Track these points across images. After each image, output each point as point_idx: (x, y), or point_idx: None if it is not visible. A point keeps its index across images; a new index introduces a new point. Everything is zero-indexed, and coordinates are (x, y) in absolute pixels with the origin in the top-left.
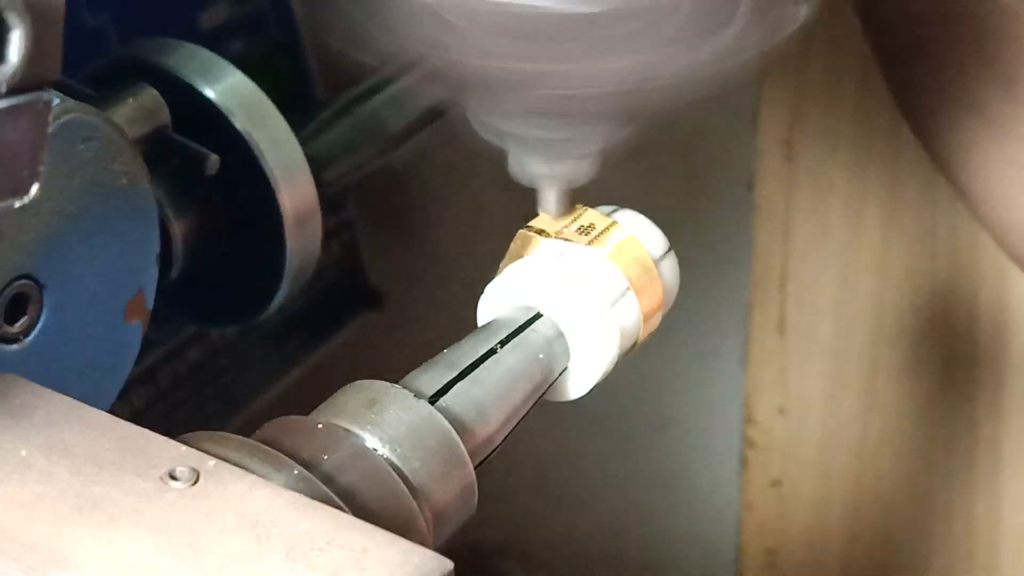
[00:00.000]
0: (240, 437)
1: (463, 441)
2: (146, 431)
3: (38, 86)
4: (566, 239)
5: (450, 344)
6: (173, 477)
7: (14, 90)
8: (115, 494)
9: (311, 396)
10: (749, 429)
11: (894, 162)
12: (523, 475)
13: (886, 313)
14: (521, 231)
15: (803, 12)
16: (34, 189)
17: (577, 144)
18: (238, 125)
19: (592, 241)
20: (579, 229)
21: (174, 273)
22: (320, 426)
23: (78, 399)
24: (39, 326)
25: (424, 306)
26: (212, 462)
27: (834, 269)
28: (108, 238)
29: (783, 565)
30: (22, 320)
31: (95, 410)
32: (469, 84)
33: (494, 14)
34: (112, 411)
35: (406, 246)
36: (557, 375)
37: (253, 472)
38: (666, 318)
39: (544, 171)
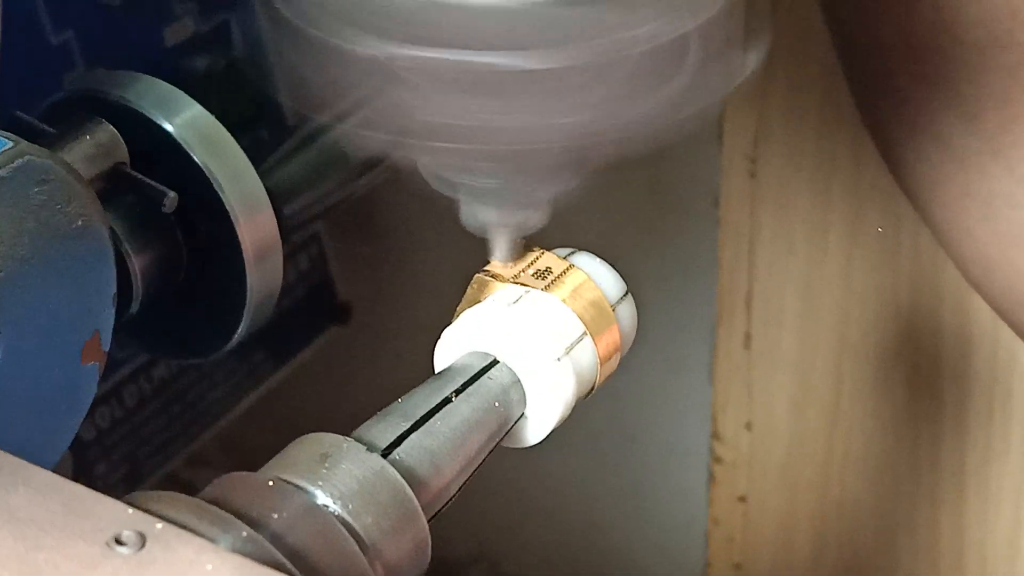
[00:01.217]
0: (187, 498)
1: (417, 494)
2: (93, 492)
3: None
4: (522, 283)
5: (417, 357)
6: (119, 542)
7: None
8: (59, 560)
9: (279, 411)
10: (716, 445)
11: (858, 179)
12: (491, 486)
13: (850, 329)
14: (478, 275)
15: (753, 60)
16: None
17: (528, 194)
18: (197, 158)
19: (548, 286)
20: (535, 273)
21: (134, 307)
22: (271, 483)
23: (33, 442)
24: None
25: (393, 320)
26: (159, 525)
27: (798, 285)
28: (63, 280)
29: None
30: None
31: (41, 470)
32: (418, 138)
33: (442, 69)
34: (75, 435)
35: (375, 260)
36: (513, 422)
37: (201, 534)
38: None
39: (495, 219)
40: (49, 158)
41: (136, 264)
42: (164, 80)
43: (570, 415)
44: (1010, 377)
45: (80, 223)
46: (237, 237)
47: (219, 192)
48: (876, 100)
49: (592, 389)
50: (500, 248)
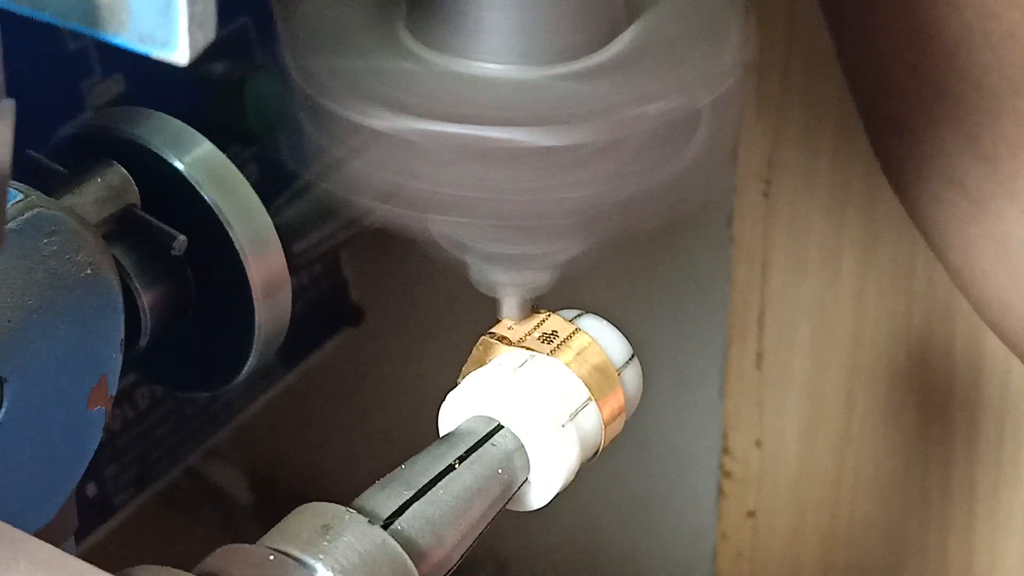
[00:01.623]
0: (185, 574)
1: (418, 566)
2: (94, 569)
3: None
4: (528, 347)
5: (428, 361)
6: None
7: None
8: None
9: (293, 412)
10: (726, 460)
11: (872, 203)
12: None
13: (863, 352)
14: (484, 337)
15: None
16: None
17: (537, 259)
18: (207, 196)
19: (554, 350)
20: (541, 337)
21: (142, 342)
22: (271, 558)
23: (38, 486)
24: None
25: (405, 323)
26: None
27: (811, 307)
28: (70, 328)
29: None
30: None
31: (44, 545)
32: (426, 209)
33: (454, 143)
34: None
35: (388, 263)
36: (517, 488)
37: None
38: (645, 343)
39: (505, 280)
40: (59, 209)
41: (145, 300)
42: (182, 85)
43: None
44: (1022, 404)
45: (89, 271)
46: (246, 275)
47: (228, 230)
48: (890, 141)
49: (596, 452)
50: (509, 307)
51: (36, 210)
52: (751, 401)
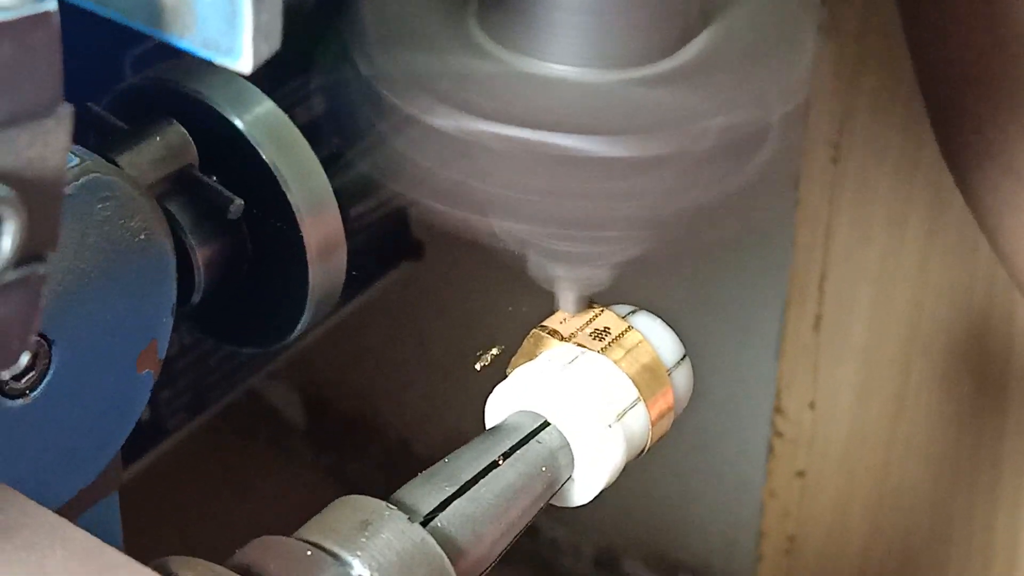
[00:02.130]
0: (219, 568)
1: (455, 564)
2: (129, 560)
3: (31, 260)
4: (579, 344)
5: (486, 298)
6: None
7: (8, 268)
8: None
9: (350, 340)
10: (778, 419)
11: (940, 176)
12: None
13: (921, 322)
14: (535, 330)
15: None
16: (24, 359)
17: (597, 257)
18: (265, 156)
19: (605, 348)
20: (593, 333)
21: (195, 298)
22: (309, 553)
23: (84, 447)
24: (46, 380)
25: (465, 260)
26: None
27: (873, 274)
28: (122, 293)
29: (802, 553)
30: (29, 375)
31: (81, 532)
32: (491, 209)
33: (518, 147)
34: None
35: None
36: (560, 486)
37: None
38: (704, 296)
39: (563, 274)
40: (115, 174)
41: (199, 257)
42: None
43: None
44: None
45: (143, 237)
46: (301, 235)
47: (285, 191)
48: (952, 125)
49: (643, 451)
50: (566, 301)
51: (91, 175)
52: (807, 363)
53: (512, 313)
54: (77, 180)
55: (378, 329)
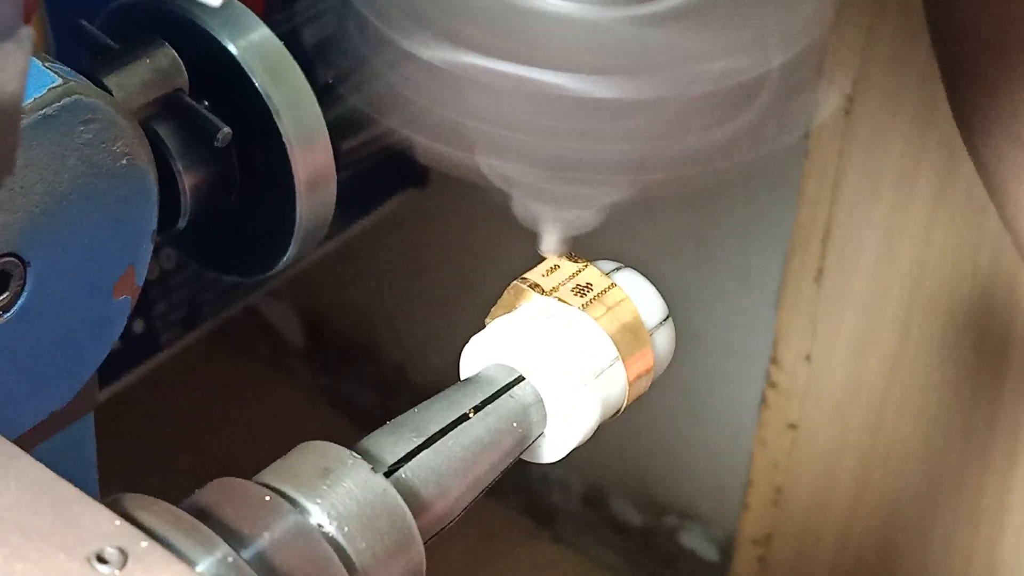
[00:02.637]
0: (177, 511)
1: (418, 517)
2: (84, 496)
3: None
4: (560, 299)
5: (489, 228)
6: (101, 559)
7: None
8: (37, 573)
9: (351, 263)
10: (773, 370)
11: (953, 136)
12: None
13: (924, 282)
14: (515, 283)
15: (833, 102)
16: None
17: (583, 199)
18: (258, 83)
19: (587, 305)
20: (575, 288)
21: (181, 223)
22: (267, 498)
23: (57, 369)
24: (20, 301)
25: (469, 191)
26: (144, 543)
27: (879, 229)
28: (101, 217)
29: (789, 505)
30: (3, 296)
31: (37, 465)
32: (476, 144)
33: (508, 83)
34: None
35: None
36: (531, 442)
37: (184, 553)
38: (706, 241)
39: (548, 215)
40: (98, 97)
41: (186, 182)
42: None
43: None
44: None
45: (125, 162)
46: (290, 166)
47: (276, 120)
48: (965, 92)
49: (619, 411)
50: (549, 241)
51: (74, 96)
52: (805, 316)
53: (513, 246)
54: (59, 101)
55: (380, 254)
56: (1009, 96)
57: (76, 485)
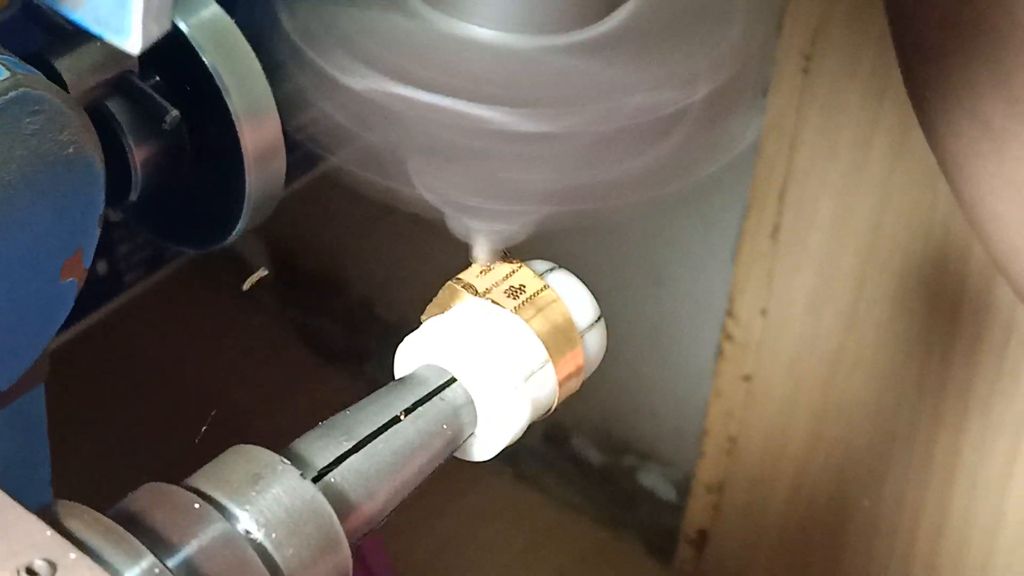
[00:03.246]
0: (106, 520)
1: (346, 521)
2: (16, 506)
3: None
4: (493, 300)
5: None
6: (30, 571)
7: None
8: None
9: (322, 197)
10: (729, 323)
11: None
12: None
13: (881, 240)
14: (450, 283)
15: (751, 133)
16: None
17: (510, 216)
18: (207, 60)
19: (519, 307)
20: (508, 290)
21: (133, 196)
22: (197, 505)
23: (6, 349)
24: None
25: None
26: (73, 555)
27: (836, 187)
28: (48, 204)
29: (742, 454)
30: None
31: None
32: (397, 170)
33: (431, 113)
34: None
35: None
36: (460, 443)
37: (110, 563)
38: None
39: (480, 227)
40: (45, 89)
41: (136, 157)
42: None
43: (594, 253)
44: None
45: (71, 150)
46: (239, 141)
47: (225, 97)
48: (920, 67)
49: (549, 411)
50: (480, 251)
51: (21, 89)
52: (762, 270)
53: None
54: (6, 94)
55: (349, 190)
56: (966, 73)
57: (26, 457)
